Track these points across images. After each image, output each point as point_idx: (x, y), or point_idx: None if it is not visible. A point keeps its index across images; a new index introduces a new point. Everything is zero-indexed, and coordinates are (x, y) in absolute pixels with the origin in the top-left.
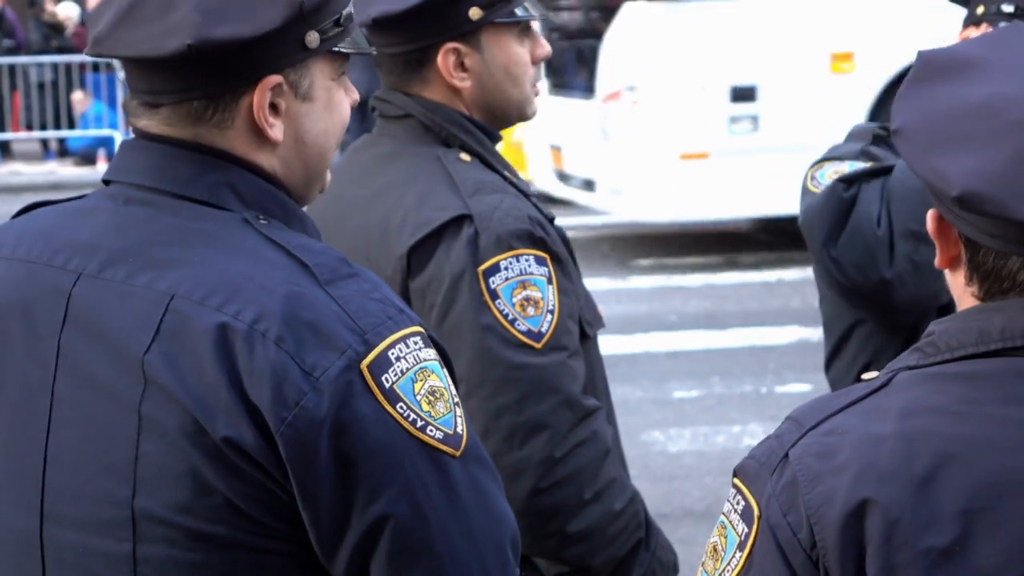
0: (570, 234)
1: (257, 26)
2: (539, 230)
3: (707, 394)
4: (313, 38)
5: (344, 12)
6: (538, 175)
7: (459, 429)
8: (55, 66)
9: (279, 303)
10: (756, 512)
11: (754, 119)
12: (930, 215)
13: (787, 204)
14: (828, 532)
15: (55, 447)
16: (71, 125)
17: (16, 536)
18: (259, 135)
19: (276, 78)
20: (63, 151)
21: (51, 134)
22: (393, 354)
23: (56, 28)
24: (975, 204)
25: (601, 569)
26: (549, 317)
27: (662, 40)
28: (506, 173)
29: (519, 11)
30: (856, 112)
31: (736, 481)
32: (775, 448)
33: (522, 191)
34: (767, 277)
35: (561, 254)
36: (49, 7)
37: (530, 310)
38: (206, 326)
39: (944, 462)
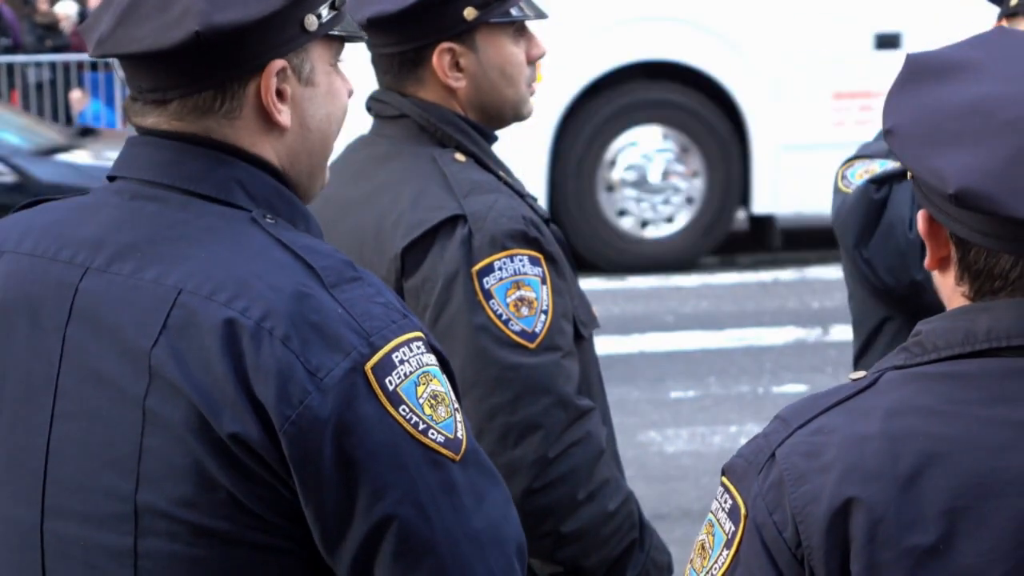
0: None
1: (262, 8)
2: (533, 230)
3: (704, 394)
4: (312, 21)
5: None
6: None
7: (459, 434)
8: (53, 65)
9: (286, 303)
10: (743, 511)
11: None
12: (920, 216)
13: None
14: (813, 531)
15: (57, 441)
16: (69, 124)
17: (17, 529)
18: (267, 123)
19: (281, 62)
20: None
21: None
22: (397, 357)
23: (51, 28)
24: (970, 201)
25: (595, 570)
26: (543, 317)
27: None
28: (501, 173)
29: (514, 11)
30: None
31: (724, 480)
32: (762, 447)
33: (517, 191)
34: (763, 278)
35: (556, 254)
36: (43, 7)
37: (524, 310)
38: (214, 321)
39: (929, 461)
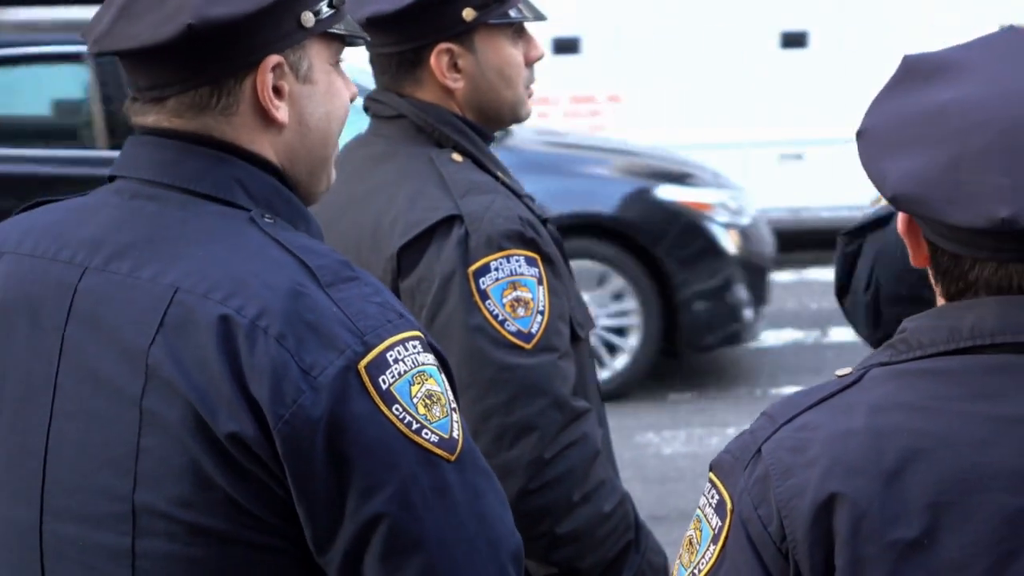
0: None
1: (256, 2)
2: (530, 231)
3: (701, 396)
4: (308, 18)
5: None
6: None
7: (455, 434)
8: None
9: (281, 301)
10: (729, 506)
11: None
12: (900, 216)
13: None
14: (797, 525)
15: (56, 441)
16: None
17: (16, 529)
18: (265, 119)
19: (276, 58)
20: None
21: None
22: (391, 356)
23: None
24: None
25: (590, 571)
26: (539, 318)
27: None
28: (499, 173)
29: (513, 12)
30: None
31: (712, 475)
32: (749, 443)
33: (515, 191)
34: None
35: (553, 255)
36: None
37: (520, 311)
38: (209, 319)
39: (912, 457)
